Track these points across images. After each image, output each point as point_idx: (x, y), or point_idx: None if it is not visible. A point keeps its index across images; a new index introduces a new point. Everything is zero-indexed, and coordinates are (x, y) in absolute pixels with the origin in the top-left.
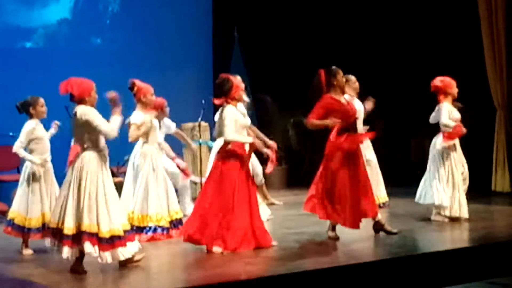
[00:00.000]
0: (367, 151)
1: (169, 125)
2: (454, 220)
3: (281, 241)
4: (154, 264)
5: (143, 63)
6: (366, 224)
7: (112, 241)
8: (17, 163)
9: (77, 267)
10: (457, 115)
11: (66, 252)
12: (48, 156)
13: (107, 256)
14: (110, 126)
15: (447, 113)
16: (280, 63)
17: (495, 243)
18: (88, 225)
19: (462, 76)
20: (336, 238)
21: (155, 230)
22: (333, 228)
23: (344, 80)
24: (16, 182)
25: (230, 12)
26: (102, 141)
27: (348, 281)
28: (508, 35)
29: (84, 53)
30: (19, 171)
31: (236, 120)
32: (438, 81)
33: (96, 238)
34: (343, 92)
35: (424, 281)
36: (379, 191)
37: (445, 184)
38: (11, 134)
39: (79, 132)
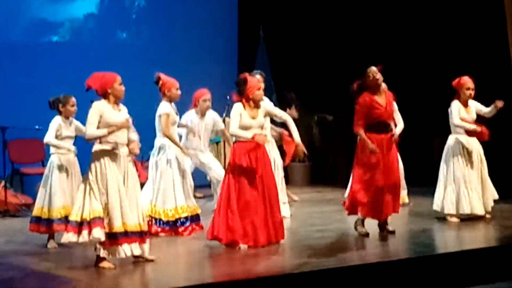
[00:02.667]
0: None
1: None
2: (466, 218)
3: (305, 238)
4: (172, 261)
5: (168, 58)
6: (394, 223)
7: (115, 238)
8: (42, 157)
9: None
10: (465, 114)
11: (69, 237)
12: (73, 151)
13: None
14: (90, 131)
15: (457, 113)
16: (304, 61)
17: None
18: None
19: (486, 77)
20: (366, 234)
21: (159, 223)
22: (362, 223)
23: (375, 77)
24: (40, 176)
25: (256, 11)
26: (118, 137)
27: (373, 280)
28: None
29: (110, 47)
30: (43, 165)
31: (241, 114)
32: (455, 80)
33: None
34: (377, 90)
35: (449, 281)
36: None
37: (448, 184)
38: (37, 127)
39: None
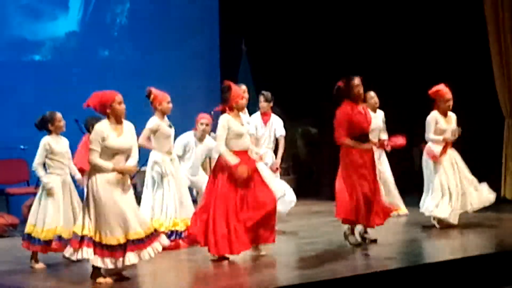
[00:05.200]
0: (381, 164)
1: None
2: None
3: (295, 251)
4: (163, 275)
5: (150, 75)
6: (383, 231)
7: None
8: (26, 177)
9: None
10: (444, 125)
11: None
12: (66, 172)
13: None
14: (95, 160)
15: (432, 127)
16: (287, 74)
17: (507, 251)
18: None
19: (470, 84)
20: (358, 244)
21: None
22: (353, 232)
23: (360, 89)
24: (25, 195)
25: (237, 24)
26: (119, 162)
27: None
28: None
29: (92, 65)
30: (28, 184)
31: (229, 128)
32: (432, 90)
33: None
34: (359, 101)
35: None
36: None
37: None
38: (22, 147)
39: None
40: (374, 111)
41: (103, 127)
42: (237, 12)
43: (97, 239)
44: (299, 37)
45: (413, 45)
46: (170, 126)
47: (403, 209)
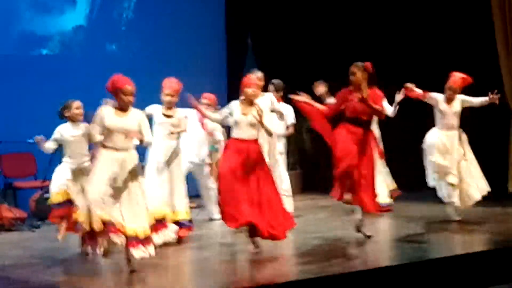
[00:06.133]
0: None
1: None
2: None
3: (303, 246)
4: (171, 270)
5: (157, 70)
6: (388, 227)
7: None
8: (34, 170)
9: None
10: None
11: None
12: (83, 160)
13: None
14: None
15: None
16: (293, 68)
17: None
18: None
19: (476, 78)
20: (369, 236)
21: None
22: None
23: (360, 75)
24: (33, 189)
25: (243, 19)
26: (117, 141)
27: (375, 285)
28: None
29: (99, 59)
30: (36, 178)
31: (231, 113)
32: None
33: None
34: (356, 87)
35: (444, 285)
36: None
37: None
38: (29, 141)
39: None
40: None
41: (105, 109)
42: (243, 7)
43: None
44: (305, 31)
45: (420, 40)
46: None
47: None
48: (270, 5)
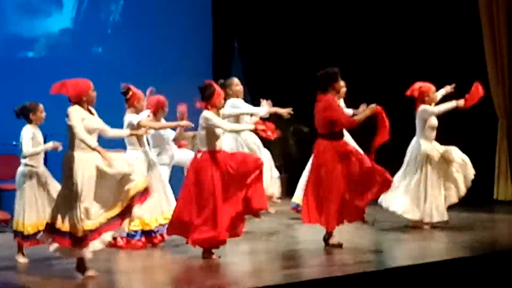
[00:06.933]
0: None
1: None
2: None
3: (286, 250)
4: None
5: (143, 72)
6: (368, 232)
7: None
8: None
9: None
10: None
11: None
12: (40, 164)
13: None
14: (83, 135)
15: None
16: (279, 72)
17: (500, 252)
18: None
19: (464, 84)
20: (340, 245)
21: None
22: (331, 234)
23: (341, 84)
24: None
25: (230, 22)
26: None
27: None
28: (511, 44)
29: (85, 62)
30: None
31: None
32: (414, 89)
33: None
34: (338, 96)
35: None
36: None
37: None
38: (14, 143)
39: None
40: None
41: (80, 110)
42: (229, 10)
43: None
44: (292, 35)
45: (407, 47)
46: None
47: None
48: (256, 8)
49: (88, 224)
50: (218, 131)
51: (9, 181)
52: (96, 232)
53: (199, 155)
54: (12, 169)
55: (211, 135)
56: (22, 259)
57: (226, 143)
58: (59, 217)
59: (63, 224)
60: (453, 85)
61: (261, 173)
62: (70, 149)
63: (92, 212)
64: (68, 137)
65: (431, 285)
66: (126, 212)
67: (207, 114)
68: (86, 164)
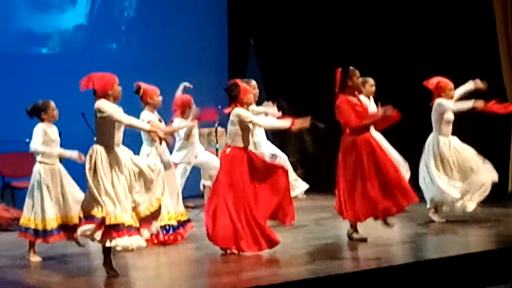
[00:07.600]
0: None
1: None
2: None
3: (303, 246)
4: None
5: (158, 69)
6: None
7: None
8: (32, 170)
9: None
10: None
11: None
12: (56, 161)
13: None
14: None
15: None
16: (295, 69)
17: None
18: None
19: (478, 77)
20: (364, 239)
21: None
22: (356, 230)
23: (360, 81)
24: None
25: (245, 19)
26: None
27: (374, 285)
28: None
29: (99, 58)
30: None
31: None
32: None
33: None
34: (358, 93)
35: (443, 286)
36: None
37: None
38: (27, 140)
39: (95, 126)
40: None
41: (108, 102)
42: (245, 7)
43: None
44: (308, 31)
45: (422, 42)
46: (160, 121)
47: None
48: (272, 5)
49: (119, 216)
50: (250, 126)
51: (22, 179)
52: (126, 228)
53: (228, 150)
54: (25, 167)
55: (244, 131)
56: (34, 258)
57: None
58: (88, 207)
59: (97, 211)
60: (484, 82)
61: (288, 181)
62: (97, 143)
63: (121, 207)
64: (95, 132)
65: (443, 279)
66: (155, 215)
67: (239, 110)
68: (114, 159)
